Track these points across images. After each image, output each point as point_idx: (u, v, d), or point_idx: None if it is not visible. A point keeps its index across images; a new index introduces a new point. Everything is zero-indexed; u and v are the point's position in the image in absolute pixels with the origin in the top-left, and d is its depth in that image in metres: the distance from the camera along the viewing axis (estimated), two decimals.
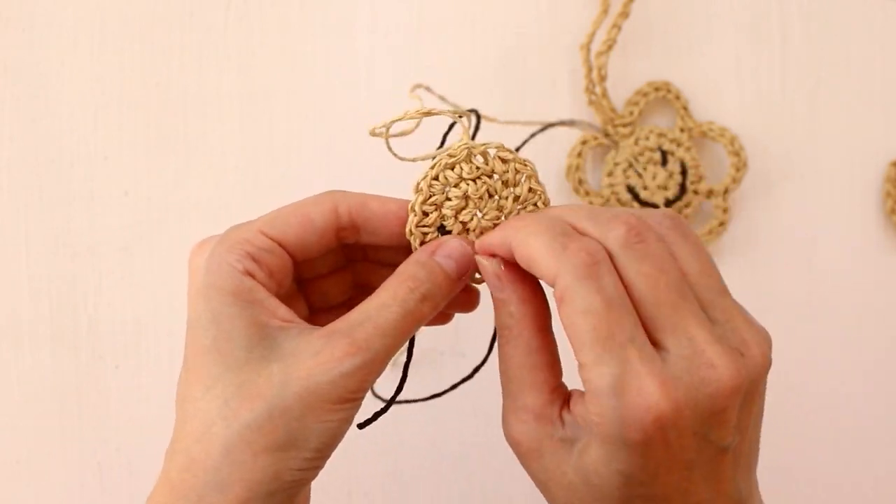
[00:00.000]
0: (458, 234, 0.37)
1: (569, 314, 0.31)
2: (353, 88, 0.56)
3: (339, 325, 0.34)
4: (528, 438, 0.33)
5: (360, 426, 0.34)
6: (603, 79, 0.55)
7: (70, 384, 0.55)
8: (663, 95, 0.56)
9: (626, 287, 0.32)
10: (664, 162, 0.56)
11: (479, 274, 0.36)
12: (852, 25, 0.58)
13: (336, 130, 0.55)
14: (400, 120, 0.36)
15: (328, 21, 0.55)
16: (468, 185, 0.36)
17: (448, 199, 0.36)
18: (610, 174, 0.56)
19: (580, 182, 0.56)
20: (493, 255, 0.35)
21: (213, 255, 0.35)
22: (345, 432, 0.34)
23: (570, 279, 0.31)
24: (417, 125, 0.38)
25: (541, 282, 0.34)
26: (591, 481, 0.32)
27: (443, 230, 0.37)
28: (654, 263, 0.32)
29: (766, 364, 0.32)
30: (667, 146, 0.56)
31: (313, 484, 0.57)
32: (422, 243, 0.36)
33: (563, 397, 0.34)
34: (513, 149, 0.37)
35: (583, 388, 0.32)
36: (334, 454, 0.58)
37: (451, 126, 0.39)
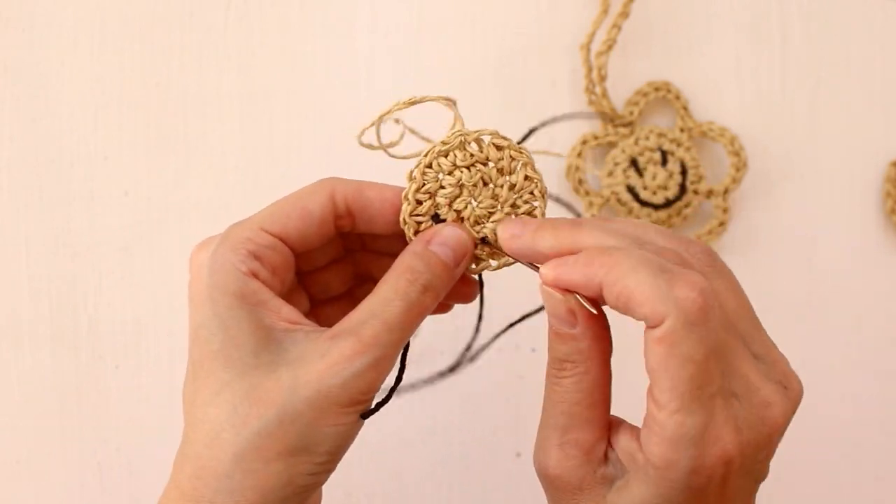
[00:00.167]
0: (453, 222, 0.36)
1: (666, 358, 0.29)
2: (353, 88, 0.56)
3: (345, 325, 0.33)
4: (570, 474, 0.32)
5: (363, 416, 0.34)
6: (603, 79, 0.55)
7: (70, 384, 0.55)
8: (663, 95, 0.56)
9: None
10: (664, 162, 0.56)
11: (543, 301, 0.33)
12: (852, 25, 0.58)
13: (336, 130, 0.55)
14: (388, 114, 0.36)
15: (328, 21, 0.55)
16: (462, 172, 0.36)
17: (442, 187, 0.36)
18: (610, 174, 0.56)
19: (580, 182, 0.56)
20: (567, 290, 0.32)
21: (215, 256, 0.34)
22: (356, 434, 0.34)
23: (680, 324, 0.29)
24: (402, 136, 0.37)
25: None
26: None
27: (437, 219, 0.36)
28: (739, 294, 0.32)
29: (801, 398, 0.33)
30: (667, 146, 0.56)
31: None
32: (416, 232, 0.36)
33: (609, 433, 0.33)
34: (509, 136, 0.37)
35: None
36: None
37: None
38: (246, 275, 0.34)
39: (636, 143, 0.56)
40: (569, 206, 0.56)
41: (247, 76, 0.55)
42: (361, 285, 0.40)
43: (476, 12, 0.56)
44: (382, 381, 0.34)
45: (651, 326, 0.29)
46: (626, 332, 0.34)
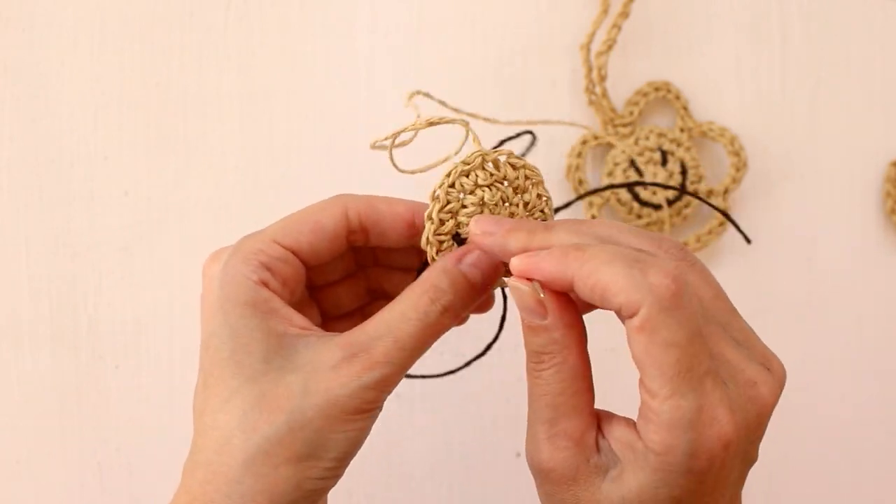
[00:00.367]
0: None
1: (648, 345, 0.29)
2: (353, 88, 0.56)
3: (358, 336, 0.33)
4: (564, 465, 0.32)
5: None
6: (603, 79, 0.55)
7: (70, 384, 0.55)
8: (663, 95, 0.56)
9: None
10: (664, 162, 0.56)
11: (512, 295, 0.34)
12: (852, 25, 0.58)
13: (336, 130, 0.55)
14: (405, 131, 0.36)
15: (328, 21, 0.55)
16: (484, 191, 0.36)
17: (464, 206, 0.36)
18: (610, 174, 0.56)
19: (580, 182, 0.56)
20: (530, 279, 0.32)
21: (227, 267, 0.35)
22: (364, 440, 0.34)
23: (655, 310, 0.29)
24: (415, 135, 0.38)
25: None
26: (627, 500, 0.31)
27: (458, 237, 0.36)
28: (718, 289, 0.32)
29: (785, 375, 0.33)
30: (667, 146, 0.56)
31: None
32: (438, 251, 0.36)
33: (598, 421, 0.33)
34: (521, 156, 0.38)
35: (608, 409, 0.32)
36: None
37: (465, 136, 0.39)
38: (257, 284, 0.34)
39: (636, 143, 0.56)
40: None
41: (247, 76, 0.55)
42: (373, 302, 0.41)
43: (476, 12, 0.56)
44: (389, 392, 0.34)
45: (628, 316, 0.30)
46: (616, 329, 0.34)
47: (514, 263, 0.32)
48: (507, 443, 0.56)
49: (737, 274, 0.57)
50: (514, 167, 0.37)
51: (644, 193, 0.55)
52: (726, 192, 0.56)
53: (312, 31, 0.55)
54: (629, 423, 0.32)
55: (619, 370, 0.35)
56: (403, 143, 0.38)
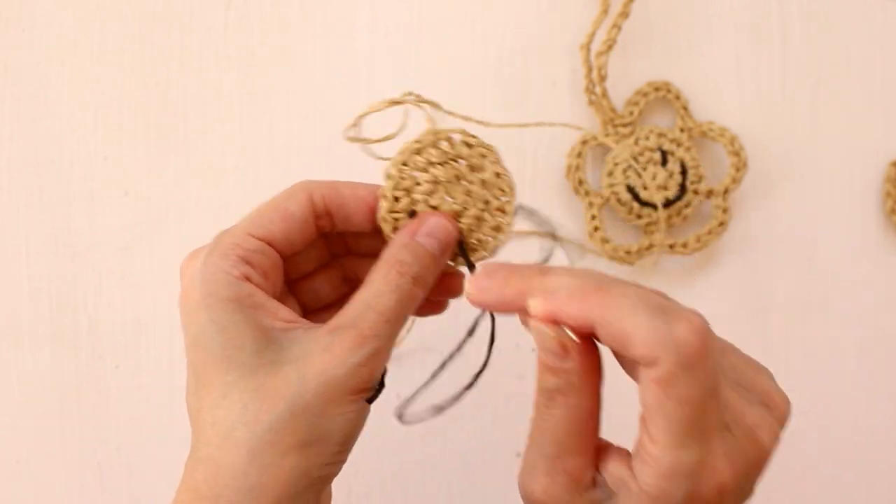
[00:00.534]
0: (436, 211, 0.37)
1: (662, 398, 0.29)
2: (353, 88, 0.56)
3: (342, 319, 0.34)
4: (557, 500, 0.32)
5: (369, 400, 0.35)
6: (603, 79, 0.55)
7: (70, 384, 0.55)
8: (663, 95, 0.56)
9: None
10: (664, 162, 0.56)
11: (532, 336, 0.33)
12: (852, 25, 0.58)
13: (336, 130, 0.55)
14: (367, 114, 0.37)
15: (328, 21, 0.55)
16: (437, 169, 0.37)
17: (418, 183, 0.37)
18: (610, 174, 0.56)
19: (580, 182, 0.56)
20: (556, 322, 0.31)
21: (206, 265, 0.35)
22: (363, 423, 0.35)
23: (677, 367, 0.28)
24: (401, 129, 0.39)
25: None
26: None
27: (413, 216, 0.37)
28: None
29: (789, 410, 0.33)
30: (667, 146, 0.56)
31: None
32: (394, 229, 0.37)
33: (598, 457, 0.33)
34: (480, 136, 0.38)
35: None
36: None
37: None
38: (239, 279, 0.34)
39: (636, 143, 0.56)
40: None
41: (247, 76, 0.55)
42: (351, 293, 0.41)
43: (476, 12, 0.56)
44: (381, 368, 0.35)
45: (646, 366, 0.29)
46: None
47: (534, 305, 0.31)
48: (507, 443, 0.56)
49: (737, 274, 0.57)
50: (468, 145, 0.37)
51: (644, 193, 0.55)
52: (726, 192, 0.56)
53: (312, 31, 0.55)
54: (624, 457, 0.32)
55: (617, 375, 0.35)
56: (389, 138, 0.38)
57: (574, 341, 0.31)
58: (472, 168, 0.37)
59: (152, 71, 0.55)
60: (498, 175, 0.37)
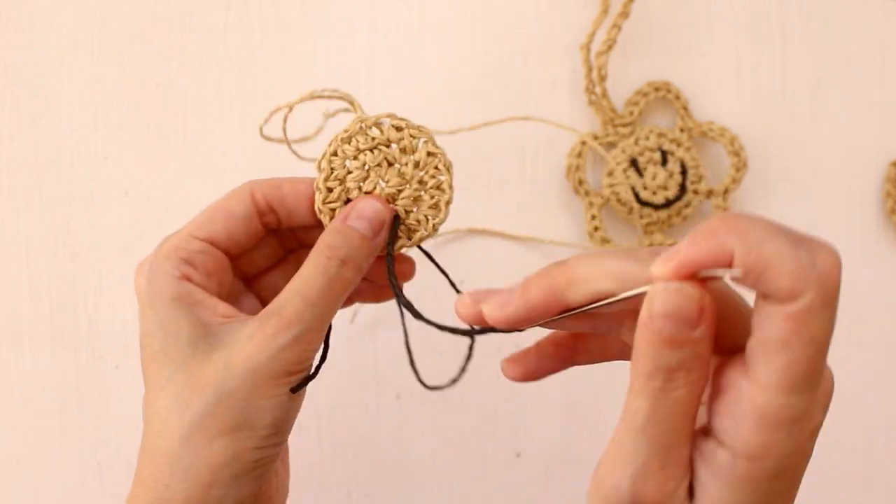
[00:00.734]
0: (367, 194, 0.38)
1: (793, 336, 0.26)
2: (353, 88, 0.55)
3: (271, 307, 0.35)
4: (668, 497, 0.28)
5: (293, 390, 0.36)
6: (603, 79, 0.55)
7: (70, 384, 0.55)
8: (663, 95, 0.56)
9: None
10: (664, 162, 0.56)
11: (653, 302, 0.27)
12: (852, 25, 0.58)
13: (336, 130, 0.55)
14: (280, 109, 0.39)
15: (328, 21, 0.55)
16: (365, 155, 0.38)
17: (349, 172, 0.38)
18: (610, 174, 0.56)
19: (580, 182, 0.56)
20: (690, 278, 0.27)
21: (152, 268, 0.37)
22: (296, 408, 0.36)
23: (818, 302, 0.26)
24: (319, 131, 0.40)
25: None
26: None
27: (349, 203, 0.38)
28: None
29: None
30: (667, 146, 0.56)
31: (312, 481, 0.57)
32: (332, 219, 0.38)
33: None
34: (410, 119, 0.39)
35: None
36: (334, 453, 0.58)
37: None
38: (180, 279, 0.36)
39: (636, 143, 0.56)
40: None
41: (247, 76, 0.55)
42: None
43: (476, 12, 0.56)
44: (311, 352, 0.35)
45: (782, 300, 0.26)
46: None
47: (659, 269, 0.27)
48: (507, 443, 0.56)
49: None
50: (397, 129, 0.38)
51: (644, 193, 0.55)
52: (726, 192, 0.56)
53: (312, 31, 0.55)
54: (700, 433, 0.29)
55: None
56: (306, 139, 0.40)
57: (711, 303, 0.27)
58: (404, 150, 0.38)
59: (152, 71, 0.55)
60: (430, 154, 0.38)
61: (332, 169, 0.38)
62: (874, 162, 0.58)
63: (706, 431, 0.29)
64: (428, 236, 0.39)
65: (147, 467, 0.35)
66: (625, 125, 0.56)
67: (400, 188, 0.38)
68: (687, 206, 0.56)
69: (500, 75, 0.56)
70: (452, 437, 0.56)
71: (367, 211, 0.37)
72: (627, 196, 0.55)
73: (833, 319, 0.27)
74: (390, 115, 0.38)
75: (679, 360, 0.27)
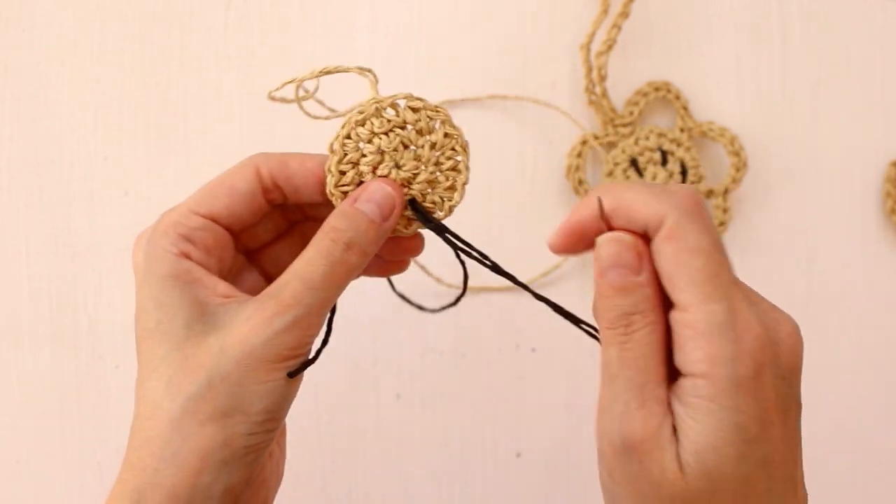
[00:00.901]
0: (380, 178, 0.36)
1: (677, 252, 0.30)
2: (354, 88, 0.55)
3: (271, 288, 0.34)
4: (656, 434, 0.30)
5: (290, 375, 0.35)
6: (603, 79, 0.55)
7: (70, 384, 0.55)
8: (663, 95, 0.56)
9: None
10: (664, 162, 0.56)
11: (599, 254, 0.32)
12: (852, 25, 0.58)
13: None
14: (300, 81, 0.37)
15: (328, 21, 0.55)
16: (380, 139, 0.36)
17: (363, 155, 0.36)
18: (610, 174, 0.56)
19: (580, 182, 0.56)
20: (611, 229, 0.32)
21: (150, 244, 0.35)
22: (291, 395, 0.35)
23: (680, 217, 0.30)
24: (316, 89, 0.39)
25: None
26: (707, 465, 0.30)
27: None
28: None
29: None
30: (667, 146, 0.56)
31: (312, 481, 0.57)
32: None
33: None
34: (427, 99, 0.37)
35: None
36: (334, 453, 0.58)
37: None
38: (178, 256, 0.35)
39: (636, 143, 0.56)
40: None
41: (247, 76, 0.55)
42: None
43: (476, 13, 0.56)
44: (310, 337, 0.34)
45: (655, 228, 0.31)
46: None
47: (556, 231, 0.33)
48: (507, 443, 0.56)
49: (737, 273, 0.57)
50: (414, 110, 0.37)
51: None
52: (726, 192, 0.56)
53: (312, 31, 0.55)
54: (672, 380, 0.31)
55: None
56: (305, 98, 0.38)
57: (647, 247, 0.32)
58: (420, 132, 0.37)
59: (152, 71, 0.55)
60: (447, 135, 0.37)
61: (345, 152, 0.36)
62: (874, 162, 0.58)
63: (676, 377, 0.31)
64: (443, 218, 0.37)
65: (136, 451, 0.34)
66: (625, 125, 0.56)
67: (416, 171, 0.37)
68: None
69: (500, 75, 0.56)
70: (452, 437, 0.56)
71: (377, 194, 0.36)
72: None
73: (709, 228, 0.31)
74: (407, 96, 0.37)
75: (633, 304, 0.31)
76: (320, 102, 0.39)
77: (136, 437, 0.34)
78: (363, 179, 0.37)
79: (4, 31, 0.54)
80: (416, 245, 0.39)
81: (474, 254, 0.37)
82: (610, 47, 0.54)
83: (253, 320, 0.33)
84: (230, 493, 0.34)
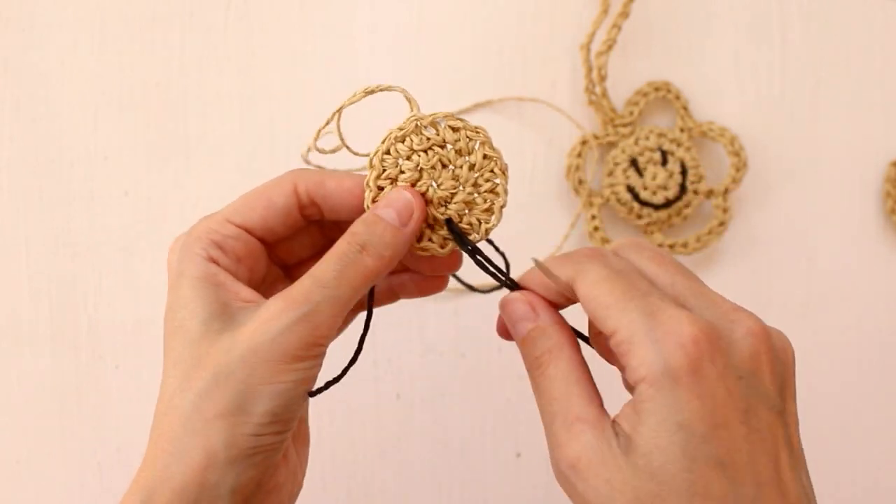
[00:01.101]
0: (402, 186, 0.37)
1: (585, 291, 0.33)
2: (353, 88, 0.55)
3: (287, 289, 0.35)
4: (588, 451, 0.31)
5: (311, 394, 0.35)
6: (603, 79, 0.55)
7: (70, 384, 0.55)
8: (663, 95, 0.56)
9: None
10: (664, 162, 0.56)
11: (503, 316, 0.37)
12: (852, 25, 0.58)
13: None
14: (345, 107, 0.37)
15: (328, 21, 0.55)
16: (419, 156, 0.36)
17: (402, 172, 0.37)
18: (610, 174, 0.56)
19: (580, 182, 0.56)
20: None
21: (184, 248, 0.36)
22: (300, 397, 0.34)
23: (579, 264, 0.33)
24: (342, 144, 0.39)
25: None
26: (654, 466, 0.30)
27: None
28: (654, 255, 0.35)
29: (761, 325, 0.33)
30: (667, 146, 0.56)
31: (312, 481, 0.57)
32: None
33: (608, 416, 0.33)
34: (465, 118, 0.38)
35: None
36: (334, 453, 0.58)
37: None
38: (206, 260, 0.36)
39: (636, 143, 0.56)
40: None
41: (247, 76, 0.55)
42: None
43: (476, 12, 0.56)
44: (319, 338, 0.34)
45: (573, 290, 0.34)
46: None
47: (523, 278, 0.36)
48: (507, 443, 0.56)
49: (737, 274, 0.57)
50: (454, 129, 0.37)
51: (644, 193, 0.55)
52: (726, 192, 0.56)
53: (312, 31, 0.55)
54: (626, 407, 0.32)
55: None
56: (335, 150, 0.39)
57: (538, 298, 0.36)
58: (460, 152, 0.37)
59: (152, 71, 0.55)
60: (486, 157, 0.37)
61: (383, 168, 0.37)
62: (874, 162, 0.58)
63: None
64: (479, 240, 0.37)
65: (151, 448, 0.34)
66: (625, 125, 0.56)
67: (454, 191, 0.37)
68: (687, 206, 0.56)
69: (500, 75, 0.56)
70: (452, 437, 0.56)
71: (396, 200, 0.36)
72: (625, 197, 0.55)
73: (606, 265, 0.33)
74: (447, 115, 0.37)
75: (540, 349, 0.35)
76: (346, 145, 0.39)
77: (153, 433, 0.35)
78: None
79: (4, 31, 0.54)
80: (454, 260, 0.39)
81: (503, 279, 0.37)
82: (610, 47, 0.54)
83: (260, 317, 0.34)
84: (239, 494, 0.34)
